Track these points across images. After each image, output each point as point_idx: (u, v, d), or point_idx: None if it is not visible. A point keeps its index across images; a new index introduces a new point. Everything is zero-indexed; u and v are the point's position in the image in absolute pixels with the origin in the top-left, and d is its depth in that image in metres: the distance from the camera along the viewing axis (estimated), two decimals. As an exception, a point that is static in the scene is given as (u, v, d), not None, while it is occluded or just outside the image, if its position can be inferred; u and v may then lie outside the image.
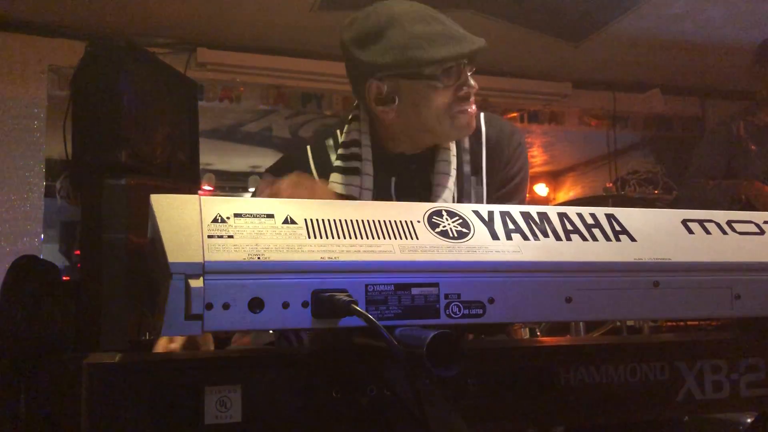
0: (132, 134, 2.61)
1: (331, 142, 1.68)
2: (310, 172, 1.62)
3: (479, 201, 1.59)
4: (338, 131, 1.68)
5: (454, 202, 1.56)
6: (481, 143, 1.65)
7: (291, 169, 1.58)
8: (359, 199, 1.55)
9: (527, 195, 1.79)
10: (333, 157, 1.64)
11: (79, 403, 0.75)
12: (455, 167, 1.59)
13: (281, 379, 0.79)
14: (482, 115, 1.70)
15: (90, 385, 0.74)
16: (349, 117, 1.69)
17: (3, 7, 3.97)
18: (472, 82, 1.52)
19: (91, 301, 2.48)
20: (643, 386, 0.94)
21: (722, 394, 0.97)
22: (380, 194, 1.58)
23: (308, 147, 1.70)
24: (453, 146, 1.62)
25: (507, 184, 1.65)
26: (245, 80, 4.62)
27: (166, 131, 2.92)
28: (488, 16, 4.18)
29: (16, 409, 2.42)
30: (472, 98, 1.54)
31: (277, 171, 1.68)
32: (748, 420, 1.41)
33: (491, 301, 0.80)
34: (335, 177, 1.58)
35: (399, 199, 1.59)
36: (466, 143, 1.64)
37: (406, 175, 1.60)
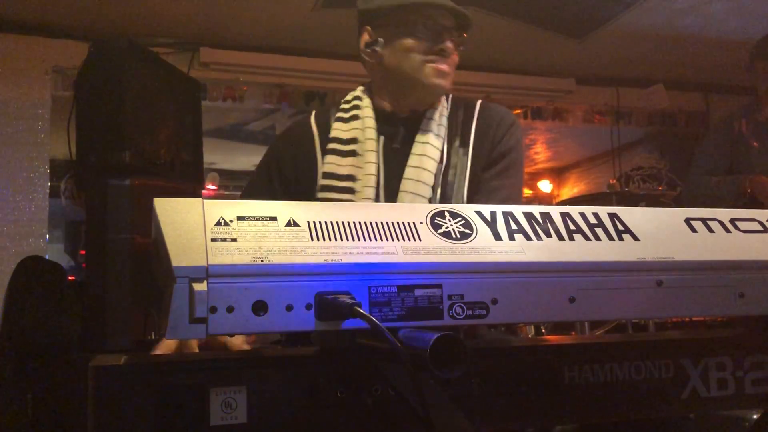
0: (135, 134, 2.61)
1: (334, 110, 1.81)
2: (309, 126, 1.76)
3: (463, 172, 1.66)
4: (346, 98, 1.84)
5: (440, 170, 1.65)
6: (472, 118, 1.74)
7: (293, 127, 1.83)
8: (362, 142, 1.66)
9: (532, 191, 1.83)
10: (332, 120, 1.77)
11: (85, 403, 0.75)
12: (445, 136, 1.70)
13: (286, 380, 0.79)
14: (479, 101, 1.80)
15: (96, 386, 0.74)
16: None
17: (6, 9, 3.98)
18: (448, 44, 1.65)
19: (97, 301, 2.50)
20: (648, 384, 0.94)
21: (727, 391, 0.97)
22: None
23: (312, 113, 1.83)
24: (443, 118, 1.72)
25: (499, 161, 1.71)
26: (248, 79, 4.63)
27: (169, 131, 2.92)
28: (491, 13, 4.17)
29: (23, 409, 2.43)
30: (448, 61, 1.66)
31: (282, 133, 1.89)
32: (754, 416, 1.41)
33: (495, 301, 0.80)
34: (337, 125, 1.73)
35: (385, 157, 1.67)
36: (460, 117, 1.74)
37: (394, 135, 1.70)
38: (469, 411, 0.84)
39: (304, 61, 4.62)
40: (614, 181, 5.13)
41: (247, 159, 7.06)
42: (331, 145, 1.69)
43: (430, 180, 1.62)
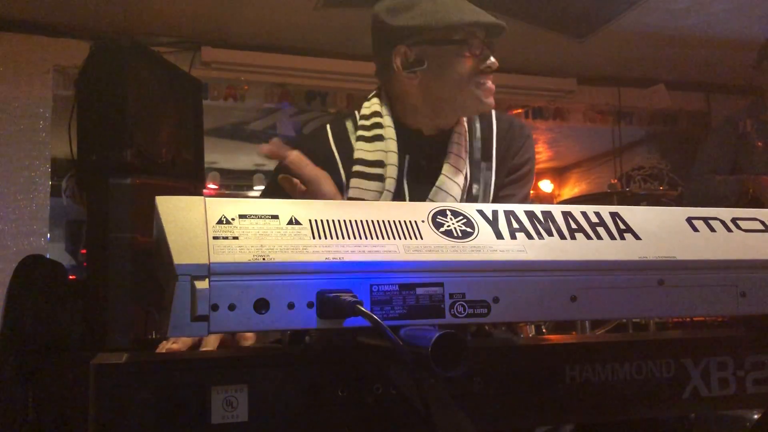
0: (137, 133, 2.62)
1: (350, 124, 1.72)
2: (330, 149, 1.68)
3: (488, 186, 1.65)
4: (356, 112, 1.74)
5: (465, 187, 1.62)
6: (492, 131, 1.71)
7: (311, 146, 1.68)
8: (386, 163, 1.61)
9: (533, 191, 1.83)
10: (352, 138, 1.69)
11: (86, 401, 0.76)
12: (468, 151, 1.65)
13: (287, 379, 0.79)
14: (493, 111, 1.75)
15: (97, 385, 0.74)
16: (369, 96, 1.75)
17: (8, 8, 3.98)
18: (493, 59, 1.59)
19: (98, 299, 2.50)
20: (649, 384, 0.94)
21: (728, 391, 0.97)
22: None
23: (327, 125, 1.74)
24: (466, 133, 1.67)
25: (516, 171, 1.71)
26: (250, 78, 4.63)
27: (170, 130, 2.93)
28: (492, 13, 4.17)
29: (25, 407, 2.43)
30: (490, 78, 1.60)
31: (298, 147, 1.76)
32: (755, 416, 1.41)
33: (496, 300, 0.80)
34: (360, 145, 1.64)
35: (409, 177, 1.64)
36: (478, 131, 1.70)
37: (419, 155, 1.65)
38: (470, 410, 0.84)
39: (305, 61, 4.62)
40: (615, 180, 5.13)
41: (248, 158, 7.07)
42: (357, 168, 1.63)
43: (458, 193, 1.61)
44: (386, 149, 1.62)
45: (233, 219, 0.77)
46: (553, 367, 0.90)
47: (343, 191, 1.63)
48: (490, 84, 1.61)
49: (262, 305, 0.72)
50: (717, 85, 5.59)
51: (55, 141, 4.08)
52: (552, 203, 7.39)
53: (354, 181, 1.61)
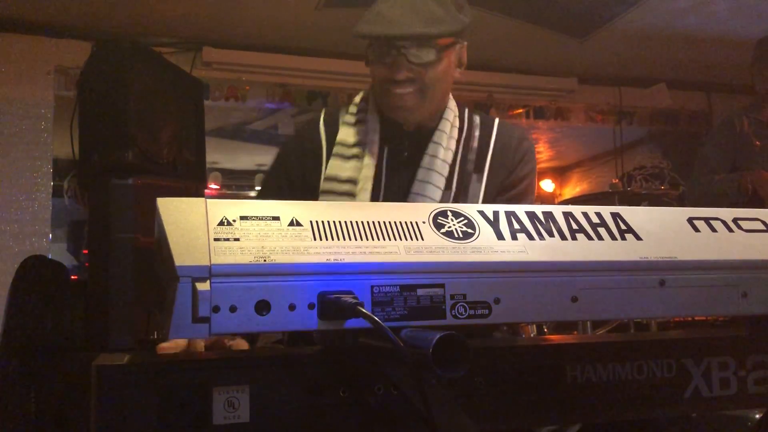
0: (138, 134, 2.62)
1: (343, 111, 1.77)
2: (318, 128, 1.74)
3: (475, 199, 1.63)
4: (356, 99, 1.80)
5: (450, 196, 1.63)
6: (489, 143, 1.70)
7: (303, 129, 1.81)
8: (365, 143, 1.65)
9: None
10: (341, 120, 1.75)
11: (88, 402, 0.76)
12: (456, 161, 1.66)
13: (289, 379, 0.79)
14: (496, 120, 1.76)
15: (99, 386, 0.75)
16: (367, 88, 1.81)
17: (10, 9, 3.99)
18: (403, 72, 1.57)
19: (100, 300, 2.50)
20: (651, 384, 0.93)
21: (730, 391, 0.97)
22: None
23: (322, 114, 1.80)
24: (452, 140, 1.68)
25: (516, 186, 1.69)
26: (251, 79, 4.63)
27: (172, 130, 2.93)
28: (493, 13, 4.17)
29: (27, 408, 2.43)
30: (406, 86, 1.59)
31: (292, 135, 1.91)
32: (757, 416, 1.41)
33: (497, 301, 0.80)
34: (344, 129, 1.70)
35: (388, 167, 1.66)
36: (475, 142, 1.69)
37: (398, 148, 1.68)
38: (471, 410, 0.84)
39: (306, 61, 4.62)
40: (617, 180, 5.13)
41: (250, 158, 7.07)
42: (336, 149, 1.67)
43: (437, 196, 1.61)
44: (368, 132, 1.66)
45: (234, 220, 0.77)
46: (554, 368, 0.90)
47: (321, 166, 1.68)
48: (397, 92, 1.60)
49: (263, 307, 0.72)
50: (718, 85, 5.59)
51: (57, 142, 4.09)
52: (553, 203, 7.39)
53: (333, 161, 1.65)
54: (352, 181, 1.62)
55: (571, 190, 7.78)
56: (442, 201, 1.60)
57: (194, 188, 3.06)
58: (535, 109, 5.39)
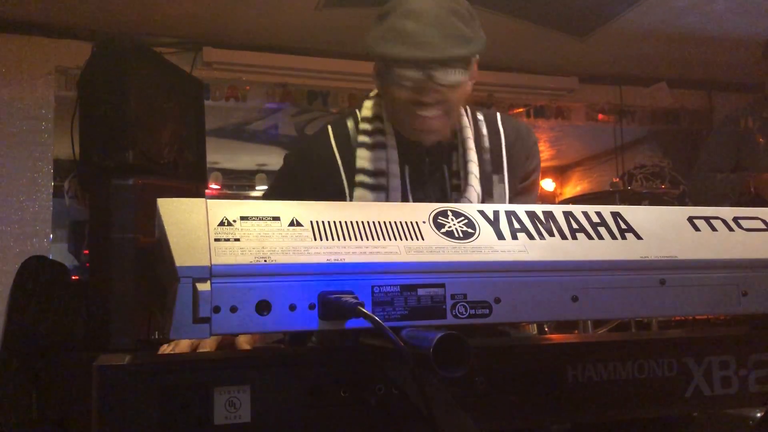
0: (139, 134, 2.62)
1: (351, 123, 1.68)
2: (332, 152, 1.64)
3: (501, 200, 1.60)
4: (357, 111, 1.70)
5: (479, 201, 1.57)
6: (500, 142, 1.66)
7: (313, 149, 1.69)
8: (387, 172, 1.57)
9: None
10: (353, 135, 1.66)
11: (89, 401, 0.76)
12: (477, 164, 1.61)
13: (290, 379, 0.79)
14: (498, 115, 1.72)
15: (100, 386, 0.75)
16: (370, 94, 1.71)
17: (9, 9, 3.99)
18: (432, 95, 1.50)
19: (101, 300, 2.50)
20: (651, 383, 0.93)
21: (731, 390, 0.97)
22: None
23: (329, 126, 1.70)
24: (472, 144, 1.62)
25: (524, 181, 1.69)
26: (251, 79, 4.63)
27: (172, 131, 2.93)
28: (493, 11, 4.17)
29: (28, 407, 2.44)
30: (432, 108, 1.52)
31: (299, 153, 1.76)
32: (758, 414, 1.41)
33: (497, 301, 0.80)
34: (362, 153, 1.60)
35: (413, 188, 1.60)
36: (486, 142, 1.65)
37: (420, 166, 1.62)
38: (472, 409, 0.84)
39: (306, 61, 4.62)
40: (617, 179, 5.13)
41: (250, 158, 7.07)
42: (359, 178, 1.59)
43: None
44: (388, 159, 1.58)
45: (234, 221, 0.77)
46: (555, 367, 0.90)
47: (344, 196, 1.61)
48: (426, 114, 1.52)
49: (263, 307, 0.72)
50: (719, 83, 5.58)
51: (58, 142, 4.09)
52: (554, 202, 7.38)
53: (358, 192, 1.58)
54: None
55: (572, 189, 7.77)
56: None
57: (195, 188, 3.06)
58: (536, 108, 5.38)
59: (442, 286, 0.78)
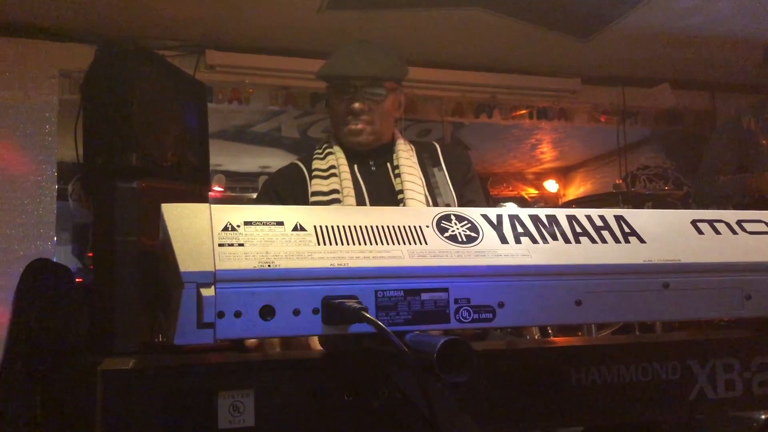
0: (142, 137, 2.62)
1: (311, 161, 2.04)
2: (300, 167, 2.02)
3: (444, 184, 1.96)
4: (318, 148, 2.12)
5: (423, 185, 1.92)
6: (436, 150, 2.06)
7: (285, 168, 2.08)
8: (338, 168, 1.94)
9: (538, 191, 2.01)
10: (314, 162, 2.04)
11: (94, 404, 0.76)
12: (416, 161, 1.99)
13: (293, 383, 0.80)
14: (436, 144, 2.12)
15: (105, 390, 0.75)
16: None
17: (13, 13, 4.00)
18: (356, 105, 1.94)
19: (105, 303, 2.50)
20: (655, 386, 0.93)
21: (735, 392, 0.97)
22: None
23: (297, 160, 2.10)
24: (412, 154, 2.01)
25: (468, 184, 2.03)
26: (254, 81, 4.63)
27: (176, 133, 2.93)
28: (496, 14, 4.17)
29: (33, 410, 2.44)
30: (362, 118, 1.95)
31: (274, 174, 2.11)
32: (763, 416, 1.41)
33: (501, 305, 0.80)
34: (317, 162, 2.00)
35: (363, 177, 1.96)
36: (425, 151, 2.05)
37: (364, 162, 1.99)
38: (476, 413, 0.84)
39: (309, 63, 4.60)
40: (620, 181, 5.12)
41: (253, 161, 7.08)
42: (314, 173, 1.97)
43: (422, 197, 1.90)
44: (336, 158, 1.97)
45: (238, 226, 0.78)
46: (558, 370, 0.90)
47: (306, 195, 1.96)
48: (354, 125, 1.95)
49: (267, 312, 0.72)
50: (722, 84, 5.57)
51: (61, 145, 4.10)
52: (557, 203, 7.36)
53: (313, 182, 1.95)
54: (336, 191, 1.90)
55: (575, 190, 7.76)
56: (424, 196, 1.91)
57: (198, 191, 3.06)
58: (539, 109, 5.38)
59: (446, 290, 0.78)
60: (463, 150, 2.23)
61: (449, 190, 1.95)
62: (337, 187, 1.91)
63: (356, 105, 1.94)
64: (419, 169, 1.97)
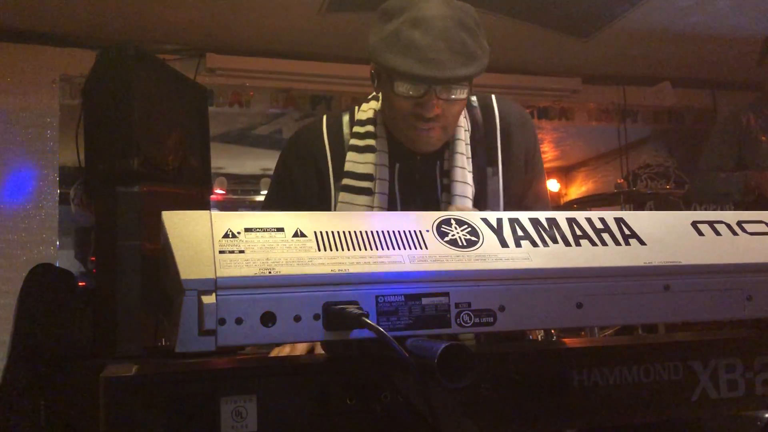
0: (143, 141, 2.63)
1: (347, 118, 1.68)
2: (322, 143, 1.64)
3: (496, 193, 1.59)
4: (356, 108, 1.70)
5: (473, 196, 1.57)
6: (495, 128, 1.64)
7: (306, 137, 1.68)
8: (375, 177, 1.56)
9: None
10: (346, 131, 1.65)
11: (96, 410, 0.76)
12: (469, 159, 1.59)
13: (296, 388, 0.80)
14: (493, 99, 1.71)
15: (107, 398, 0.75)
16: (369, 97, 1.69)
17: (14, 19, 4.01)
18: (434, 110, 1.47)
19: (107, 307, 2.51)
20: (658, 387, 0.93)
21: (737, 392, 0.97)
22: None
23: (324, 117, 1.70)
24: (466, 136, 1.61)
25: (529, 162, 1.67)
26: (255, 84, 4.64)
27: (177, 137, 2.94)
28: (496, 14, 4.17)
29: (36, 415, 2.45)
30: (432, 122, 1.50)
31: (291, 145, 1.73)
32: (766, 416, 1.40)
33: (502, 309, 0.80)
34: (351, 156, 1.60)
35: (401, 187, 1.59)
36: (481, 129, 1.64)
37: (409, 164, 1.60)
38: (477, 416, 0.84)
39: (310, 65, 4.62)
40: (622, 180, 5.12)
41: (255, 163, 7.09)
42: (346, 181, 1.59)
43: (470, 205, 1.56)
44: (376, 162, 1.58)
45: (239, 233, 0.78)
46: (560, 372, 0.90)
47: (329, 190, 1.61)
48: (425, 130, 1.51)
49: (268, 318, 0.73)
50: (722, 82, 5.57)
51: (63, 150, 4.11)
52: (559, 202, 7.34)
53: (342, 195, 1.58)
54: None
55: (577, 189, 7.76)
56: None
57: (200, 194, 3.07)
58: (540, 109, 5.38)
59: (447, 294, 0.79)
60: (526, 123, 1.72)
61: (498, 200, 1.59)
62: (369, 204, 1.56)
63: (434, 111, 1.48)
64: (472, 175, 1.57)
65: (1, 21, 4.01)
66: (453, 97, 1.48)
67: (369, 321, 0.70)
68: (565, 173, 7.95)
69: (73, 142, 2.81)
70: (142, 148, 2.61)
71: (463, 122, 1.62)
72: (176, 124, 2.97)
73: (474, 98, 1.70)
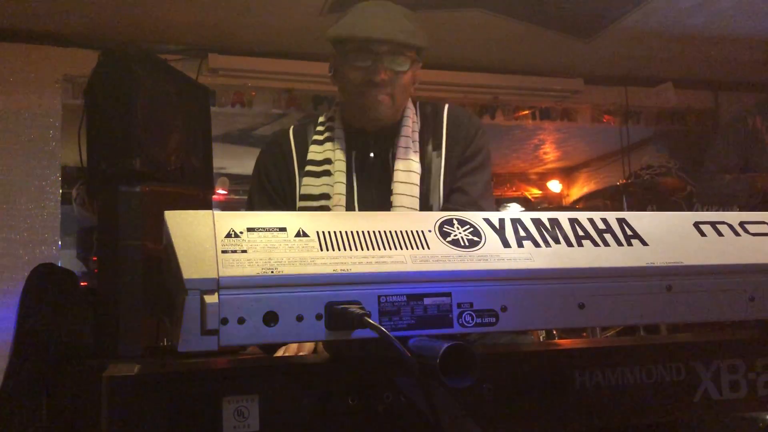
0: (145, 141, 2.63)
1: (312, 126, 1.88)
2: (288, 143, 1.84)
3: (438, 174, 1.77)
4: (321, 117, 1.90)
5: (420, 173, 1.75)
6: (442, 124, 1.84)
7: (274, 141, 1.89)
8: (333, 160, 1.76)
9: (542, 191, 1.89)
10: (310, 133, 1.86)
11: (98, 409, 0.76)
12: (417, 143, 1.79)
13: (298, 388, 0.80)
14: (445, 105, 1.90)
15: (109, 397, 0.75)
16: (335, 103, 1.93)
17: (16, 19, 4.01)
18: (380, 75, 1.68)
19: (109, 307, 2.51)
20: (660, 388, 0.93)
21: (739, 393, 0.97)
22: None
23: (291, 128, 1.90)
24: (415, 134, 1.80)
25: (472, 160, 1.82)
26: (257, 84, 4.64)
27: (179, 137, 2.94)
28: (498, 15, 4.17)
29: (39, 415, 2.45)
30: (381, 89, 1.70)
31: (265, 147, 1.92)
32: (768, 417, 1.40)
33: (504, 309, 0.80)
34: (312, 147, 1.81)
35: (358, 172, 1.78)
36: (430, 124, 1.84)
37: (365, 151, 1.80)
38: (480, 417, 0.84)
39: (311, 66, 4.62)
40: (624, 181, 5.11)
41: (256, 163, 7.08)
42: (308, 168, 1.78)
43: (417, 192, 1.73)
44: (334, 148, 1.77)
45: (241, 232, 0.78)
46: (562, 373, 0.90)
47: (294, 180, 1.79)
48: (373, 93, 1.70)
49: (271, 318, 0.73)
50: (725, 83, 5.56)
51: (65, 150, 4.11)
52: (561, 203, 7.32)
53: (305, 180, 1.77)
54: (325, 197, 1.73)
55: (579, 190, 7.75)
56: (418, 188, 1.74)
57: (202, 194, 3.07)
58: (542, 110, 5.37)
59: (449, 294, 0.79)
60: (471, 118, 1.91)
61: (438, 185, 1.76)
62: (327, 190, 1.73)
63: (380, 76, 1.67)
64: (418, 163, 1.76)
65: (3, 21, 4.01)
66: (397, 69, 1.71)
67: (371, 321, 0.70)
68: (567, 174, 7.95)
69: (76, 142, 2.81)
70: (145, 148, 2.61)
71: (411, 115, 1.83)
72: (178, 125, 2.98)
73: (428, 105, 1.91)
